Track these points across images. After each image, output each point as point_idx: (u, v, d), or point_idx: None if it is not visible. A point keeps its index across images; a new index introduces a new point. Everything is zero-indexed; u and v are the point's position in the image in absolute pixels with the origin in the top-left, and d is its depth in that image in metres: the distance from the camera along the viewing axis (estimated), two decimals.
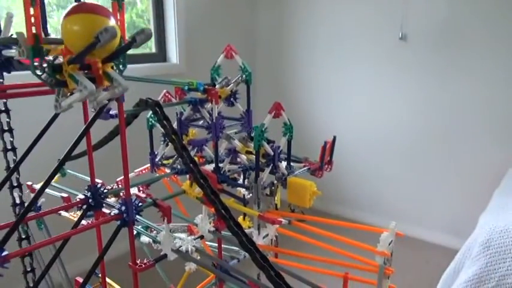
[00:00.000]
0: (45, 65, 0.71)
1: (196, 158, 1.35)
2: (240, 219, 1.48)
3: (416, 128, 2.97)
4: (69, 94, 0.76)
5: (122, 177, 0.97)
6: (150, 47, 3.05)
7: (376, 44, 3.06)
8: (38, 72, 0.72)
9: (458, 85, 2.75)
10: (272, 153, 1.17)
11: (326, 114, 3.39)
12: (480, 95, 2.68)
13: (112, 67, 0.80)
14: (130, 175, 1.39)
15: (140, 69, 2.78)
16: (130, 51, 0.79)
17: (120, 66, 0.82)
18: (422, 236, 2.99)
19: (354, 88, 3.21)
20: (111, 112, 0.94)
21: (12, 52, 0.80)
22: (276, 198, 1.26)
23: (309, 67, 3.40)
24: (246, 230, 1.19)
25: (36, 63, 0.71)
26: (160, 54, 3.08)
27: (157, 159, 1.32)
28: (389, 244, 1.01)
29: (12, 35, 0.82)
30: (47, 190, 1.25)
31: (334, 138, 1.37)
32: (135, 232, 1.24)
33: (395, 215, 3.07)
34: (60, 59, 0.76)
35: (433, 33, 2.80)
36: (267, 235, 1.15)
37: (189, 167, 0.94)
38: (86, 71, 0.74)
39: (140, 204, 0.96)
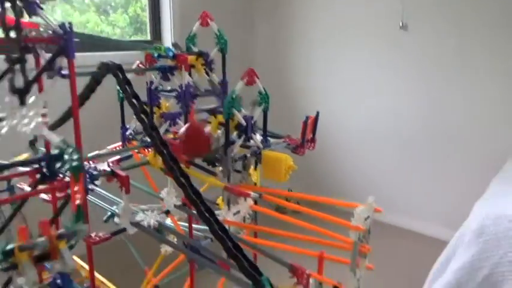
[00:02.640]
0: None
1: (172, 135, 1.28)
2: (219, 200, 1.41)
3: (415, 118, 2.88)
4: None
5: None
6: (146, 34, 3.01)
7: (376, 33, 2.96)
8: None
9: (460, 75, 2.65)
10: (245, 124, 1.10)
11: (324, 102, 3.29)
12: (481, 85, 2.58)
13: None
14: (103, 151, 1.32)
15: (135, 56, 2.71)
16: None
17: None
18: (417, 227, 2.87)
19: (354, 77, 3.12)
20: (63, 72, 0.87)
21: None
22: (252, 175, 1.19)
23: (307, 53, 3.32)
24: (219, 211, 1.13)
25: None
26: (155, 42, 3.02)
27: (128, 133, 1.25)
28: (365, 219, 0.93)
29: None
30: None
31: (317, 113, 1.29)
32: (109, 213, 1.18)
33: (390, 206, 2.95)
34: None
35: (434, 21, 2.70)
36: (239, 212, 1.08)
37: (148, 132, 0.88)
38: None
39: (96, 173, 0.90)
